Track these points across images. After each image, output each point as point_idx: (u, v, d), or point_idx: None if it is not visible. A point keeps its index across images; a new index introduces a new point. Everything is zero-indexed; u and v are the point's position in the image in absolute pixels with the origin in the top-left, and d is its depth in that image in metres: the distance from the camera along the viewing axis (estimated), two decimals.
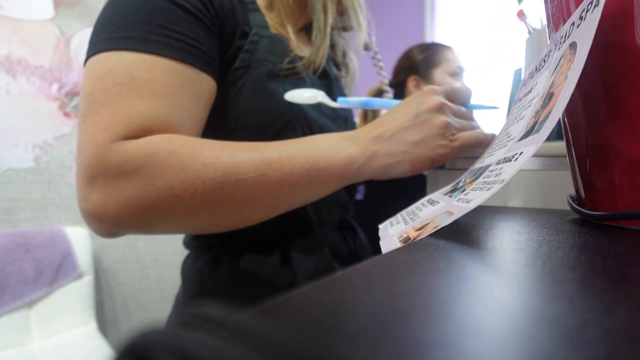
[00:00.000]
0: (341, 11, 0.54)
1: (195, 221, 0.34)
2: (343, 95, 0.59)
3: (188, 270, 0.49)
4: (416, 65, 1.08)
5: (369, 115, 1.13)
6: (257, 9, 0.47)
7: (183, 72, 0.36)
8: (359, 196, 1.02)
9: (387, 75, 0.60)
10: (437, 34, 1.83)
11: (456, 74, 1.08)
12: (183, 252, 0.53)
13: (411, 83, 1.05)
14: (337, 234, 0.53)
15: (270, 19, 0.49)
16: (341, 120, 0.55)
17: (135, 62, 0.34)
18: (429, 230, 0.20)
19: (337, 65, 0.62)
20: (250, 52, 0.43)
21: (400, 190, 1.00)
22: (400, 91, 1.11)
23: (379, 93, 1.15)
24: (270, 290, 0.45)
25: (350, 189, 0.59)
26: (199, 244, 0.48)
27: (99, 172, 0.32)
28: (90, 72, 0.35)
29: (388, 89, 0.59)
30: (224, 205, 0.33)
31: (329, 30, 0.49)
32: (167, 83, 0.35)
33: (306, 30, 0.56)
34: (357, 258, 0.55)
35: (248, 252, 0.46)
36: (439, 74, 1.07)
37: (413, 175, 0.38)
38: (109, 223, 0.33)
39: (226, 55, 0.42)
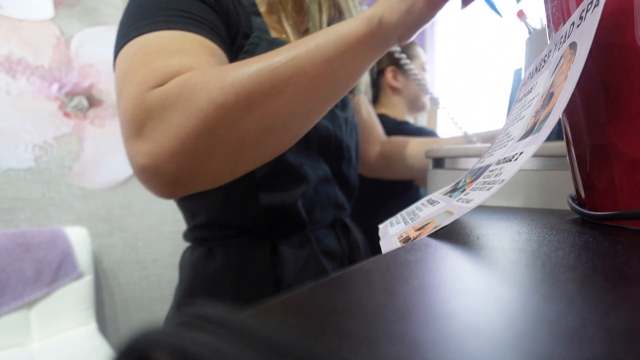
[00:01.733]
0: (339, 11, 0.54)
1: (247, 132, 0.33)
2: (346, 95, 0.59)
3: (184, 262, 0.51)
4: (394, 57, 1.10)
5: None
6: (258, 13, 0.48)
7: (210, 45, 0.38)
8: None
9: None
10: (437, 33, 1.83)
11: (425, 69, 1.13)
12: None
13: (389, 74, 1.08)
14: (330, 232, 0.54)
15: (271, 23, 0.49)
16: (341, 121, 0.55)
17: (163, 36, 0.36)
18: (429, 230, 0.20)
19: None
20: (249, 52, 0.44)
21: (392, 194, 1.01)
22: (377, 79, 1.13)
23: None
24: (259, 282, 0.46)
25: (348, 190, 0.59)
26: (196, 236, 0.50)
27: (144, 119, 0.33)
28: (122, 57, 0.36)
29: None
30: (268, 101, 0.33)
31: (325, 28, 0.49)
32: (197, 49, 0.36)
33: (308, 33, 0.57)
34: (350, 257, 0.55)
35: (239, 245, 0.47)
36: (415, 66, 1.09)
37: (434, 13, 0.37)
38: (166, 169, 0.33)
39: (230, 53, 0.43)
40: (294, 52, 0.33)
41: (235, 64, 0.34)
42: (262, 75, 0.32)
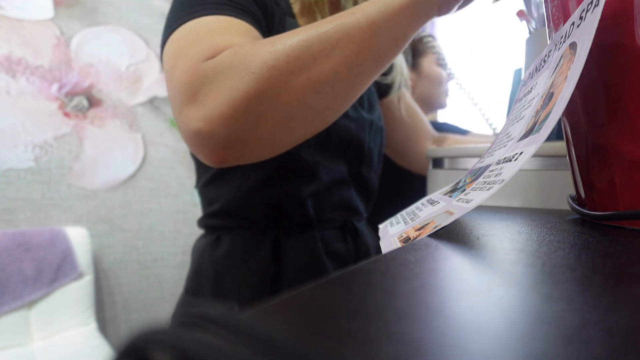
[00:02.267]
0: None
1: (297, 94, 0.34)
2: (373, 93, 0.58)
3: (196, 247, 0.53)
4: (403, 54, 1.08)
5: None
6: (293, 15, 0.50)
7: (255, 33, 0.40)
8: None
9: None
10: (436, 33, 1.83)
11: (442, 64, 1.09)
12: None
13: None
14: (339, 234, 0.53)
15: (303, 25, 0.50)
16: (365, 122, 0.55)
17: (212, 20, 0.38)
18: (429, 230, 0.20)
19: None
20: None
21: (402, 191, 1.00)
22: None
23: None
24: (259, 274, 0.47)
25: (366, 194, 0.58)
26: (208, 224, 0.52)
27: (198, 86, 0.34)
28: (173, 40, 0.38)
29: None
30: (316, 63, 0.34)
31: None
32: (244, 33, 0.38)
33: None
34: (356, 260, 0.55)
35: (245, 236, 0.49)
36: (427, 62, 1.07)
37: None
38: (218, 133, 0.34)
39: None
40: (342, 19, 0.35)
41: (285, 33, 0.35)
42: (310, 39, 0.34)
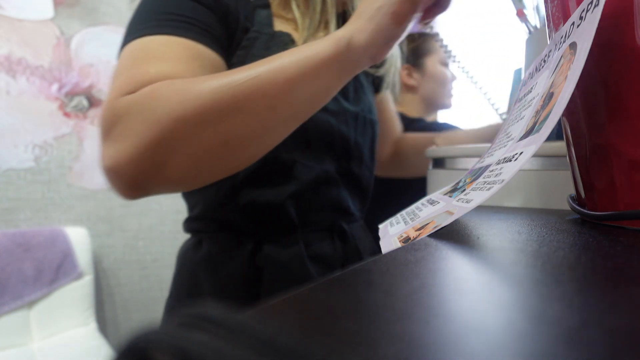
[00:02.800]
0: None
1: (202, 146, 0.34)
2: (361, 84, 0.55)
3: (179, 251, 0.54)
4: (406, 54, 1.07)
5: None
6: (265, 5, 0.47)
7: (195, 47, 0.39)
8: None
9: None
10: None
11: (447, 63, 1.08)
12: None
13: (403, 72, 1.04)
14: (325, 236, 0.51)
15: (278, 11, 0.48)
16: (348, 115, 0.51)
17: (150, 41, 0.37)
18: (429, 230, 0.20)
19: None
20: (246, 48, 0.44)
21: (403, 192, 1.00)
22: None
23: None
24: (237, 277, 0.46)
25: (358, 192, 0.55)
26: (191, 227, 0.52)
27: (111, 123, 0.34)
28: (120, 57, 0.39)
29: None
30: (225, 117, 0.33)
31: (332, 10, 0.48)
32: (180, 54, 0.37)
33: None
34: (344, 264, 0.51)
35: (224, 239, 0.48)
36: (431, 62, 1.06)
37: (403, 28, 0.36)
38: (125, 173, 0.34)
39: (229, 50, 0.43)
40: (256, 70, 0.34)
41: (204, 78, 0.34)
42: (222, 92, 0.33)
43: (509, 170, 0.19)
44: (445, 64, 1.08)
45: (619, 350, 0.07)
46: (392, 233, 0.26)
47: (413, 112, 1.08)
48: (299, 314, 0.10)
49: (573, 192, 0.28)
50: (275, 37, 0.45)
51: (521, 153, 0.20)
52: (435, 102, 1.04)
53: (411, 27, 0.38)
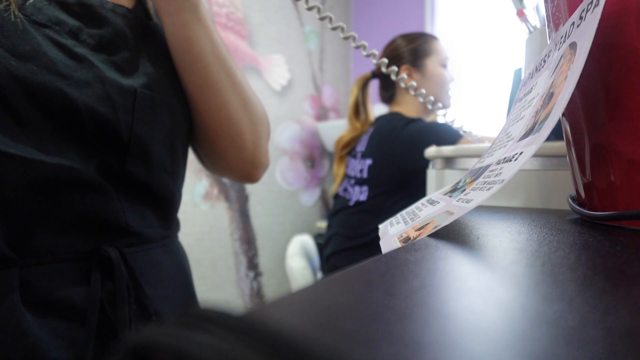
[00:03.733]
0: None
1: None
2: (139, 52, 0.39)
3: None
4: (405, 55, 1.08)
5: (361, 110, 1.13)
6: None
7: None
8: (363, 197, 1.02)
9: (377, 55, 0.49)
10: (437, 33, 1.83)
11: (445, 65, 1.10)
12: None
13: (404, 72, 1.04)
14: (74, 270, 0.35)
15: None
16: (114, 91, 0.36)
17: None
18: (429, 230, 0.20)
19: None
20: None
21: (402, 191, 1.00)
22: (388, 81, 1.11)
23: (367, 81, 1.15)
24: None
25: (151, 202, 0.40)
26: None
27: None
28: None
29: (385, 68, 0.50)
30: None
31: None
32: None
33: None
34: (104, 311, 0.36)
35: None
36: (431, 63, 1.07)
37: None
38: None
39: None
40: None
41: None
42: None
43: (509, 170, 0.19)
44: (444, 65, 1.09)
45: (619, 350, 0.07)
46: (392, 233, 0.26)
47: (412, 112, 1.09)
48: (299, 314, 0.10)
49: (573, 192, 0.28)
50: None
51: (521, 153, 0.20)
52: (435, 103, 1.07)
53: None
